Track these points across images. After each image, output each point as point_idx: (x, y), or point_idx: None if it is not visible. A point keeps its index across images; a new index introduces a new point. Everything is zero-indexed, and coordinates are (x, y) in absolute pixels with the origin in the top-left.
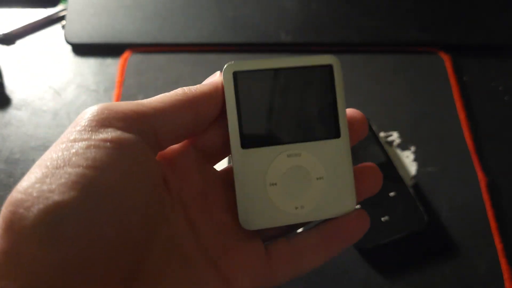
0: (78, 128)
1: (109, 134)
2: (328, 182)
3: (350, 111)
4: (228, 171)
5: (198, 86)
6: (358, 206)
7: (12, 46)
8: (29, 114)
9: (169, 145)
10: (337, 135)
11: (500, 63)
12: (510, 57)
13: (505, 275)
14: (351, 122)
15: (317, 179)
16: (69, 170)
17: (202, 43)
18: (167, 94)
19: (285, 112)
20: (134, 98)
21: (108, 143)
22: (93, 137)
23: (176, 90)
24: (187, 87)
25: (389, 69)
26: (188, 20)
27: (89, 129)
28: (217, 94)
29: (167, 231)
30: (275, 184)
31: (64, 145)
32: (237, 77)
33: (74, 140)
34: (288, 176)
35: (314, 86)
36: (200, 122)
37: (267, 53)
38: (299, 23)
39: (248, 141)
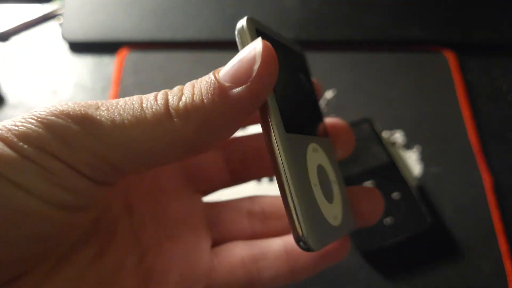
0: None
1: None
2: (337, 187)
3: (334, 120)
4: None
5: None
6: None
7: (6, 43)
8: None
9: None
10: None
11: (504, 61)
12: None
13: (510, 277)
14: (337, 132)
15: (333, 182)
16: None
17: (201, 41)
18: None
19: (304, 100)
20: (132, 96)
21: None
22: None
23: None
24: None
25: (392, 67)
26: (187, 18)
27: None
28: None
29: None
30: (316, 185)
31: None
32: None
33: None
34: (319, 176)
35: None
36: None
37: None
38: (300, 20)
39: (290, 125)
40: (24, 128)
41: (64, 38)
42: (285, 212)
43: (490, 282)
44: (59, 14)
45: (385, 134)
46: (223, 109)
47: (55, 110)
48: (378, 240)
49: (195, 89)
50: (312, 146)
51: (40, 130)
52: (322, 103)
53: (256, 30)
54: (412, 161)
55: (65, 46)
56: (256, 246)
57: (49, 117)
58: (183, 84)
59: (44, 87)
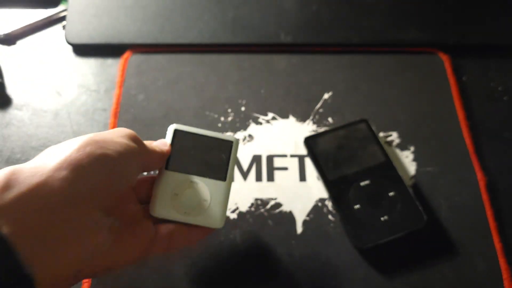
0: None
1: None
2: (210, 204)
3: None
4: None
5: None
6: (357, 206)
7: (13, 47)
8: (30, 114)
9: None
10: (224, 179)
11: (499, 63)
12: (509, 57)
13: (504, 275)
14: None
15: (204, 200)
16: None
17: (202, 44)
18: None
19: (198, 158)
20: (135, 98)
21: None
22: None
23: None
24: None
25: (389, 69)
26: (189, 21)
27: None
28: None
29: None
30: (177, 194)
31: None
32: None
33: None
34: (187, 192)
35: (220, 149)
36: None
37: (267, 53)
38: (299, 23)
39: (171, 165)
40: None
41: (67, 41)
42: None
43: (485, 279)
44: (63, 18)
45: (381, 134)
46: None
47: None
48: (375, 238)
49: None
50: (192, 179)
51: None
52: (319, 104)
53: (174, 130)
54: (408, 161)
55: (69, 49)
56: None
57: None
58: (184, 85)
59: (49, 89)
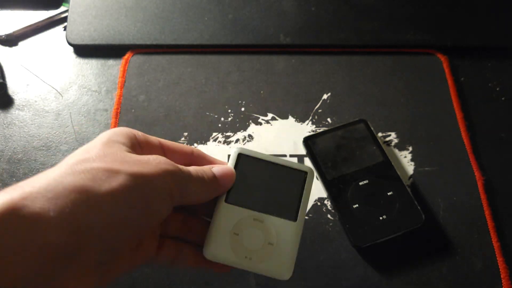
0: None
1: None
2: (276, 249)
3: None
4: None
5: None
6: (356, 206)
7: (14, 48)
8: (32, 115)
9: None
10: (294, 219)
11: (496, 64)
12: (506, 58)
13: (502, 274)
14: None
15: (269, 243)
16: None
17: (202, 45)
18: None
19: (264, 190)
20: (136, 98)
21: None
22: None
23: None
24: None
25: (387, 70)
26: (189, 22)
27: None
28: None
29: None
30: (237, 234)
31: None
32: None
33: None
34: (249, 232)
35: (291, 181)
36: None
37: (266, 54)
38: (298, 25)
39: (231, 198)
40: None
41: (69, 42)
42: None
43: (482, 278)
44: (65, 19)
45: (380, 134)
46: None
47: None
48: (374, 237)
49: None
50: (254, 216)
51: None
52: (318, 105)
53: (238, 155)
54: (407, 161)
55: (71, 50)
56: None
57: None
58: (184, 85)
59: (50, 89)
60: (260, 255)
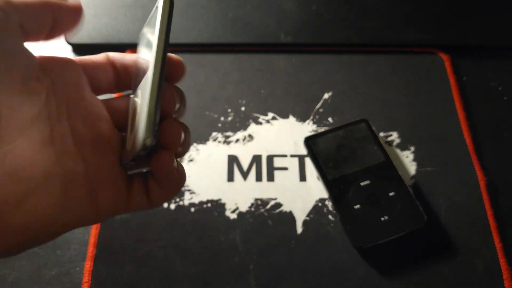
0: None
1: None
2: (140, 114)
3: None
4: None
5: None
6: (357, 206)
7: None
8: None
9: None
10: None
11: (499, 63)
12: (509, 57)
13: (505, 275)
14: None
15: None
16: None
17: (202, 44)
18: None
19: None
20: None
21: None
22: None
23: None
24: None
25: (389, 69)
26: (188, 21)
27: None
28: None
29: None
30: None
31: None
32: None
33: None
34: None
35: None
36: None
37: (267, 53)
38: (299, 24)
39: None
40: None
41: (67, 40)
42: None
43: (484, 279)
44: None
45: (381, 134)
46: None
47: None
48: (375, 238)
49: None
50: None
51: None
52: (319, 104)
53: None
54: (408, 161)
55: (69, 49)
56: None
57: None
58: (184, 84)
59: None
60: (135, 128)
